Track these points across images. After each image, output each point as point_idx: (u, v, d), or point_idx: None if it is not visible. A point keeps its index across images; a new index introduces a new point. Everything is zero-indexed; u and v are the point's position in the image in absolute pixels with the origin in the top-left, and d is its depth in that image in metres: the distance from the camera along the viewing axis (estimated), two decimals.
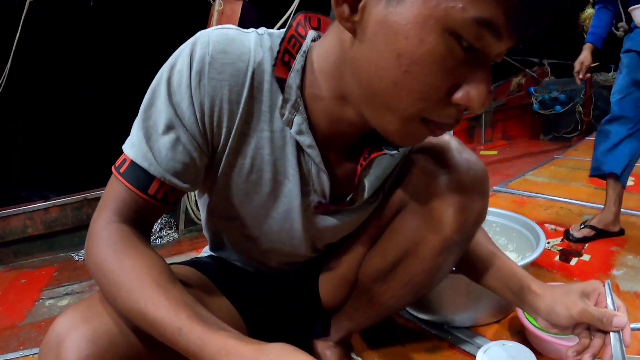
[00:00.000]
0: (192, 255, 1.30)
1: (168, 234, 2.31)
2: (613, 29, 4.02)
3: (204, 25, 2.53)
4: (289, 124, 0.72)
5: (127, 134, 0.71)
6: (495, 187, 2.84)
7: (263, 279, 0.99)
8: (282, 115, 0.71)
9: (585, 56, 2.09)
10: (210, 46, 0.66)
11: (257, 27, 0.74)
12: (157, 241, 2.27)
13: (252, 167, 0.76)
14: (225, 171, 0.76)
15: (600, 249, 1.83)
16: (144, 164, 0.68)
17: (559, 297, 0.85)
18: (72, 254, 3.18)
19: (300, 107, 0.71)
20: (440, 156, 0.83)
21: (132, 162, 0.68)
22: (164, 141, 0.68)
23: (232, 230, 0.89)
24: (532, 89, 5.20)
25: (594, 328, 0.83)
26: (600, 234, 1.90)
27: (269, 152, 0.75)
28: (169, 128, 0.68)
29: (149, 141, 0.68)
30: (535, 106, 4.88)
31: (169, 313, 0.59)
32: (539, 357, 1.15)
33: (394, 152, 0.76)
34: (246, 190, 0.79)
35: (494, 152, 4.09)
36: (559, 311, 0.84)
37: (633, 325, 0.89)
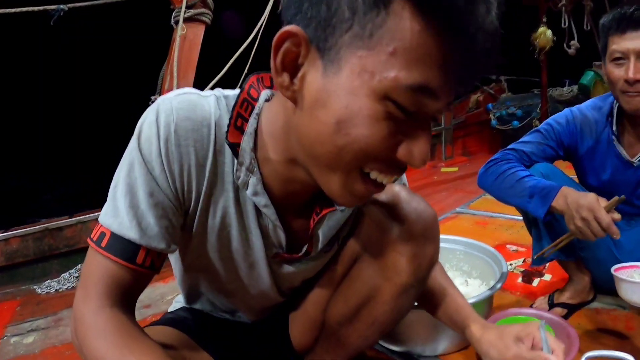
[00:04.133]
0: (157, 285, 1.27)
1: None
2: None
3: (167, 49, 2.52)
4: (245, 185, 0.75)
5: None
6: (457, 209, 2.92)
7: (238, 327, 1.01)
8: (238, 178, 0.74)
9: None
10: (174, 113, 0.69)
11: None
12: None
13: (221, 225, 0.79)
14: (198, 231, 0.79)
15: (561, 269, 1.89)
16: (129, 235, 0.69)
17: (494, 341, 0.92)
18: (35, 287, 3.09)
19: (255, 169, 0.74)
20: (390, 208, 0.87)
21: (114, 235, 0.69)
22: (146, 209, 0.70)
23: (208, 283, 0.91)
24: (490, 105, 5.35)
25: None
26: (576, 308, 1.57)
27: (234, 210, 0.78)
28: (149, 195, 0.70)
29: (129, 210, 0.69)
30: (494, 122, 5.03)
31: None
32: None
33: (343, 208, 0.82)
34: (218, 247, 0.82)
35: (455, 169, 4.20)
36: (493, 355, 0.90)
37: (596, 353, 0.93)
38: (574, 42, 4.20)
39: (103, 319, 0.68)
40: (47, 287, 2.44)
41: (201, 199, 0.75)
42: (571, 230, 1.23)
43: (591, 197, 1.19)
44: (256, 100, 0.74)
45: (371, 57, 0.55)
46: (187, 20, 2.39)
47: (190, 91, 0.73)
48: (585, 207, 1.17)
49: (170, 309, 1.05)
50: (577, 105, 1.50)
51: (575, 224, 1.19)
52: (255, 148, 0.74)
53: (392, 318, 0.97)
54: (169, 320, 0.97)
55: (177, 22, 2.39)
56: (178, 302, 1.06)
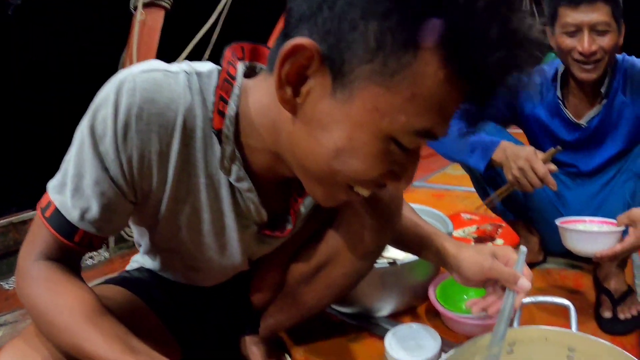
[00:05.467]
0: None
1: (98, 253, 2.28)
2: None
3: (126, 36, 2.50)
4: (227, 172, 0.73)
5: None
6: (415, 183, 2.97)
7: (195, 289, 1.02)
8: (222, 167, 0.72)
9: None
10: (137, 95, 0.63)
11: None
12: (88, 262, 2.23)
13: (192, 210, 0.77)
14: (166, 215, 0.77)
15: (513, 234, 1.92)
16: (69, 216, 0.68)
17: (471, 255, 0.92)
18: (2, 282, 3.05)
19: (237, 155, 0.72)
20: None
21: (57, 210, 0.69)
22: (90, 195, 0.68)
23: (175, 261, 0.92)
24: None
25: (499, 287, 0.90)
26: None
27: (206, 196, 0.76)
28: (95, 183, 0.67)
29: (74, 192, 0.68)
30: None
31: (103, 348, 0.64)
32: (453, 336, 1.28)
33: None
34: (188, 230, 0.81)
35: None
36: (470, 266, 0.91)
37: (532, 299, 0.98)
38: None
39: (39, 268, 0.70)
40: (14, 282, 2.42)
41: (168, 185, 0.72)
42: (509, 181, 1.28)
43: (529, 149, 1.25)
44: (234, 78, 0.69)
45: (387, 96, 0.54)
46: (146, 5, 2.36)
47: (157, 67, 0.67)
48: (522, 157, 1.23)
49: (127, 268, 1.04)
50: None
51: (513, 174, 1.25)
52: (237, 132, 0.70)
53: (349, 281, 1.02)
54: (120, 279, 0.98)
55: (136, 8, 2.36)
56: (135, 261, 1.05)
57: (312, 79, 0.57)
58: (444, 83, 0.53)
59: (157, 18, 2.48)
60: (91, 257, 2.27)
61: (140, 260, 1.03)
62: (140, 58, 2.40)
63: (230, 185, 0.76)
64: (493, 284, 0.91)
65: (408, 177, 0.65)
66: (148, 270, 1.02)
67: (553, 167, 1.23)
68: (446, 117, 0.57)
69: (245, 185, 0.75)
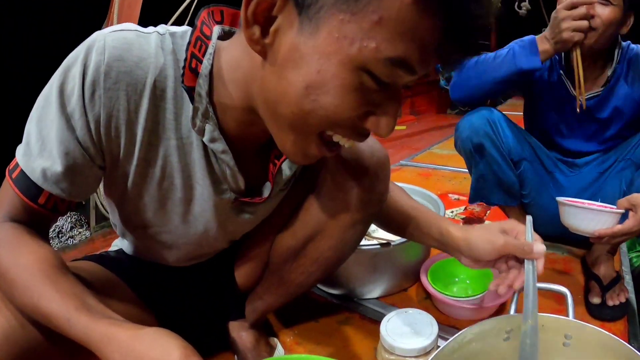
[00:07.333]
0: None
1: (80, 232, 2.22)
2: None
3: (105, 13, 2.41)
4: (200, 132, 0.71)
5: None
6: (401, 161, 2.98)
7: (178, 267, 0.99)
8: (194, 125, 0.70)
9: None
10: (105, 53, 0.63)
11: None
12: (70, 241, 2.17)
13: (163, 174, 0.75)
14: (136, 181, 0.75)
15: (502, 214, 1.95)
16: (33, 177, 0.67)
17: (481, 234, 0.89)
18: None
19: (211, 114, 0.70)
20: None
21: (22, 171, 0.68)
22: (54, 155, 0.66)
23: (148, 239, 0.88)
24: (438, 65, 5.39)
25: (511, 262, 0.87)
26: None
27: (177, 159, 0.74)
28: (59, 141, 0.65)
29: (39, 153, 0.67)
30: (442, 82, 5.08)
31: (58, 305, 0.62)
32: (444, 319, 1.27)
33: None
34: (159, 198, 0.78)
35: (403, 127, 4.23)
36: (482, 246, 0.88)
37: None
38: (525, 4, 4.26)
39: (4, 229, 0.69)
40: None
41: (137, 147, 0.70)
42: (566, 37, 1.26)
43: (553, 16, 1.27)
44: (209, 38, 0.68)
45: (354, 22, 0.51)
46: None
47: (128, 27, 0.66)
48: (555, 16, 1.26)
49: (108, 250, 1.02)
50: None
51: (567, 31, 1.24)
52: (210, 92, 0.69)
53: (337, 255, 0.98)
54: (99, 257, 0.95)
55: None
56: (115, 245, 1.03)
57: (279, 18, 0.56)
58: (411, 6, 0.50)
59: None
60: (72, 237, 2.22)
61: (119, 244, 1.01)
62: None
63: (205, 148, 0.74)
64: (505, 261, 0.89)
65: (388, 117, 0.61)
66: (126, 254, 0.99)
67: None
68: (421, 48, 0.53)
69: (219, 146, 0.73)
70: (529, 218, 0.88)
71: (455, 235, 0.93)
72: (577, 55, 1.30)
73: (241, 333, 1.10)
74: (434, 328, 0.98)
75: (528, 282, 0.80)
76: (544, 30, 1.33)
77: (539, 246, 0.82)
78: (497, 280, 0.88)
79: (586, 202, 1.18)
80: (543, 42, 1.30)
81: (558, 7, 1.26)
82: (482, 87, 1.42)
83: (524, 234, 0.86)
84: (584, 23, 1.23)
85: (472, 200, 1.59)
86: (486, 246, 0.87)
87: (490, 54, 1.41)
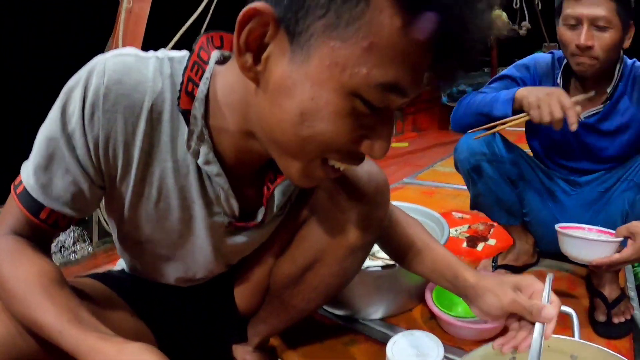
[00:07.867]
0: (108, 268, 1.25)
1: (82, 247, 2.23)
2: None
3: (112, 24, 2.45)
4: (195, 154, 0.72)
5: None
6: (404, 180, 2.98)
7: (178, 290, 1.00)
8: (189, 148, 0.71)
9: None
10: (105, 76, 0.65)
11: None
12: (72, 256, 2.18)
13: (159, 195, 0.77)
14: (133, 201, 0.77)
15: (506, 233, 1.95)
16: (34, 194, 0.70)
17: (492, 287, 0.86)
18: None
19: (206, 137, 0.71)
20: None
21: (25, 187, 0.71)
22: (55, 172, 0.69)
23: (146, 255, 0.90)
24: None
25: (524, 321, 0.84)
26: (520, 270, 1.63)
27: (173, 181, 0.75)
28: (61, 160, 0.69)
29: (41, 171, 0.70)
30: (444, 99, 5.10)
31: (52, 317, 0.64)
32: (449, 339, 1.26)
33: None
34: (156, 217, 0.80)
35: (405, 144, 4.24)
36: (490, 301, 0.85)
37: None
38: (525, 23, 4.31)
39: (6, 241, 0.71)
40: None
41: (133, 168, 0.72)
42: (529, 104, 1.23)
43: (558, 89, 1.24)
44: (206, 62, 0.70)
45: (344, 49, 0.52)
46: None
47: (128, 52, 0.68)
48: (548, 91, 1.22)
49: (112, 269, 1.03)
50: (536, 55, 1.56)
51: (538, 96, 1.22)
52: (206, 115, 0.70)
53: (338, 281, 0.98)
54: (101, 275, 0.96)
55: None
56: (120, 265, 1.04)
57: (271, 46, 0.57)
58: (400, 30, 0.51)
59: (143, 6, 2.42)
60: (74, 252, 2.22)
61: (123, 263, 1.02)
62: (126, 46, 2.33)
63: (199, 171, 0.76)
64: (517, 318, 0.86)
65: (382, 141, 0.61)
66: (129, 274, 1.01)
67: (579, 108, 1.21)
68: (413, 71, 0.54)
69: (213, 169, 0.74)
70: (549, 277, 0.84)
71: (467, 280, 0.90)
72: (518, 117, 1.32)
73: (246, 357, 1.10)
74: (440, 350, 0.98)
75: (534, 347, 0.77)
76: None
77: (549, 311, 0.79)
78: (503, 338, 0.85)
79: (586, 227, 1.19)
80: (524, 90, 1.30)
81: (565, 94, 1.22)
82: (470, 119, 1.45)
83: (541, 293, 0.83)
84: (546, 117, 1.19)
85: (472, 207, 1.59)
86: (493, 300, 0.85)
87: (482, 94, 1.45)
